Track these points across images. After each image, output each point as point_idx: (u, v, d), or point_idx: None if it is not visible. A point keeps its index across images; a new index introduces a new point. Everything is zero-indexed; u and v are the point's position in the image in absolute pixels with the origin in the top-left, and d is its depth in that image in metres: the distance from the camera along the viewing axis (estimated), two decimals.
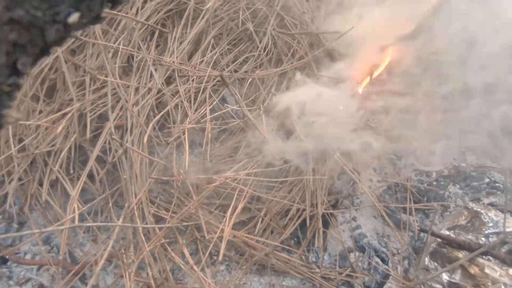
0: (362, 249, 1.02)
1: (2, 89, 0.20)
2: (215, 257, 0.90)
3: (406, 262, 1.00)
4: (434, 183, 1.13)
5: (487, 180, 1.10)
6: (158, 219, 0.87)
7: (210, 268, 0.87)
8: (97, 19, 0.30)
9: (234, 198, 0.79)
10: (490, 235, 0.89)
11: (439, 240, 0.95)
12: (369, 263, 0.98)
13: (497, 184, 1.09)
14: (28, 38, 0.21)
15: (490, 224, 0.90)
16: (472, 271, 0.83)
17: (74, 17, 0.25)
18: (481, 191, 1.07)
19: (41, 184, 0.80)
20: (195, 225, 0.85)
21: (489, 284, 0.78)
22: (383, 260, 1.00)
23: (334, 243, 1.02)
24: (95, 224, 0.69)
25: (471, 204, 1.01)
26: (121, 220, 0.72)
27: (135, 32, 1.03)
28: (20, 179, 0.81)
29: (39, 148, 0.78)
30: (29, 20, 0.21)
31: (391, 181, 1.13)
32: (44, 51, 0.25)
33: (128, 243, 0.76)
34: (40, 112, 0.82)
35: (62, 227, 0.63)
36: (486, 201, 1.04)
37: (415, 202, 1.07)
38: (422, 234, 1.01)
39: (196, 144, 1.10)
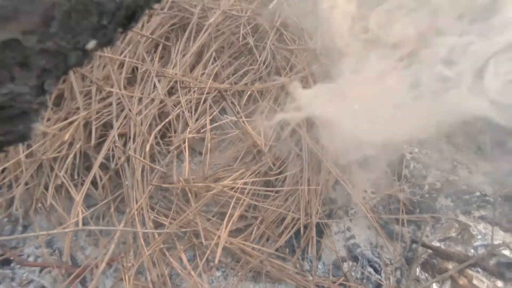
0: (355, 259, 1.04)
1: (32, 107, 0.24)
2: (212, 263, 0.92)
3: (398, 272, 1.02)
4: (427, 195, 1.16)
5: (477, 193, 1.13)
6: (158, 225, 0.90)
7: (207, 274, 0.90)
8: (110, 42, 0.35)
9: (231, 206, 0.82)
10: (479, 247, 0.92)
11: (430, 251, 0.97)
12: (362, 273, 1.01)
13: (487, 198, 1.12)
14: (54, 64, 0.25)
15: (479, 237, 0.93)
16: (461, 282, 0.86)
17: (91, 44, 0.29)
18: (472, 204, 1.10)
19: (46, 188, 0.84)
20: (193, 232, 0.88)
21: None
22: (376, 270, 1.02)
23: (328, 252, 1.05)
24: (98, 227, 0.72)
25: (461, 217, 1.04)
26: (122, 224, 0.76)
27: (140, 45, 1.08)
28: (26, 183, 0.84)
29: (46, 154, 0.82)
30: (56, 49, 0.25)
31: (384, 192, 1.16)
32: (66, 73, 0.29)
33: (128, 247, 0.79)
34: (48, 119, 0.86)
35: (67, 230, 0.66)
36: (476, 214, 1.07)
37: (407, 214, 1.10)
38: (414, 245, 1.04)
39: (196, 153, 1.14)
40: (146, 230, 0.75)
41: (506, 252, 0.89)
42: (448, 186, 1.17)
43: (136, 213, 0.82)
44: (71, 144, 0.88)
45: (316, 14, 1.25)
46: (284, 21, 1.36)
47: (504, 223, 1.08)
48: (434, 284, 0.89)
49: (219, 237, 0.84)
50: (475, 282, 0.84)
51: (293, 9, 1.40)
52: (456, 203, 1.12)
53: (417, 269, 0.96)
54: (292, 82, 1.04)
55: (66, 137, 0.79)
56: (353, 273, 1.00)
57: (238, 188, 0.89)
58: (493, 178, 1.23)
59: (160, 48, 1.17)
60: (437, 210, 1.12)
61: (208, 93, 1.11)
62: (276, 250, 0.95)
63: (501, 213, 1.12)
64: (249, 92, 1.19)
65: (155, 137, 0.99)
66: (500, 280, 0.86)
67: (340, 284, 0.97)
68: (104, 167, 0.94)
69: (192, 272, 0.78)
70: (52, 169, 0.84)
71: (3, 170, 0.90)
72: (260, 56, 1.27)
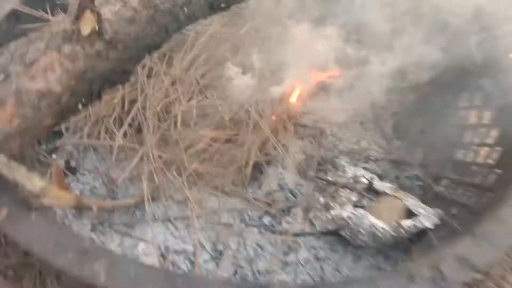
0: (283, 190, 1.67)
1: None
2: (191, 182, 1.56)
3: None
4: (335, 158, 1.79)
5: (365, 155, 1.76)
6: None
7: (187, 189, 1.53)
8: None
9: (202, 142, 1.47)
10: (351, 178, 1.55)
11: (325, 183, 1.60)
12: (285, 197, 1.63)
13: (371, 157, 1.75)
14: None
15: (349, 171, 1.56)
16: (334, 195, 1.49)
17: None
18: (359, 160, 1.73)
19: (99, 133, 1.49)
20: (181, 161, 1.52)
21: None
22: (294, 196, 1.64)
23: (266, 186, 1.67)
24: (130, 144, 1.37)
25: (348, 166, 1.66)
26: (143, 147, 1.40)
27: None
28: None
29: (100, 113, 1.47)
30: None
31: (308, 154, 1.80)
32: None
33: (143, 167, 1.44)
34: None
35: (116, 143, 1.30)
36: (361, 165, 1.70)
37: (319, 165, 1.73)
38: (320, 182, 1.66)
39: (187, 123, 1.78)
40: (154, 152, 1.39)
41: (364, 180, 1.52)
42: (350, 151, 1.80)
43: (149, 148, 1.46)
44: (113, 110, 1.54)
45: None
46: None
47: (378, 171, 1.71)
48: (321, 198, 1.51)
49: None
50: (341, 194, 1.47)
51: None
52: (350, 160, 1.75)
53: (317, 194, 1.59)
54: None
55: (115, 101, 1.45)
56: (279, 197, 1.63)
57: (209, 137, 1.53)
58: (383, 148, 1.86)
59: (167, 56, 1.83)
60: (340, 164, 1.75)
61: (197, 85, 1.76)
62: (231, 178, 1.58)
63: (382, 168, 1.75)
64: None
65: (161, 109, 1.64)
66: (358, 194, 1.48)
67: (271, 200, 1.59)
68: (130, 125, 1.59)
69: (179, 179, 1.41)
70: (103, 122, 1.49)
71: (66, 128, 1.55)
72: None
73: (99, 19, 0.71)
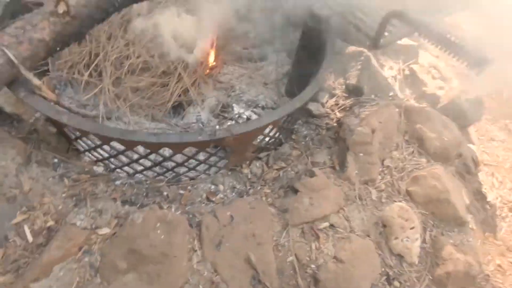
0: (197, 122, 2.52)
1: None
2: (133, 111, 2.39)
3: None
4: (233, 102, 2.63)
5: (258, 103, 2.62)
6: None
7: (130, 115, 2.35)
8: None
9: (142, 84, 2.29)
10: (236, 115, 2.41)
11: (222, 117, 2.46)
12: (198, 126, 2.48)
13: (260, 105, 2.61)
14: None
15: (236, 110, 2.42)
16: (224, 122, 2.35)
17: None
18: (251, 106, 2.58)
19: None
20: (126, 95, 2.34)
21: None
22: (204, 126, 2.50)
23: (186, 118, 2.52)
24: (93, 80, 2.17)
25: (239, 109, 2.52)
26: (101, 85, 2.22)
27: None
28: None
29: (73, 59, 2.26)
30: None
31: (220, 100, 2.64)
32: None
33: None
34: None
35: (83, 79, 2.10)
36: (251, 109, 2.56)
37: (223, 107, 2.58)
38: (222, 116, 2.51)
39: None
40: (109, 87, 2.20)
41: (244, 116, 2.38)
42: (248, 100, 2.64)
43: (106, 85, 2.27)
44: (83, 59, 2.33)
45: None
46: None
47: (262, 114, 2.57)
48: (217, 126, 2.37)
49: None
50: (228, 123, 2.33)
51: None
52: (246, 105, 2.60)
53: (217, 125, 2.44)
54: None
55: (84, 52, 2.23)
56: (195, 127, 2.48)
57: (148, 82, 2.35)
58: (274, 101, 2.72)
59: (124, 26, 2.60)
60: (232, 106, 2.60)
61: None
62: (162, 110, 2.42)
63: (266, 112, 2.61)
64: None
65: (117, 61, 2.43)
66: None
67: (187, 128, 2.44)
68: (95, 70, 2.39)
69: (124, 106, 2.24)
70: (76, 66, 2.29)
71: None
72: None
73: (67, 4, 1.51)
